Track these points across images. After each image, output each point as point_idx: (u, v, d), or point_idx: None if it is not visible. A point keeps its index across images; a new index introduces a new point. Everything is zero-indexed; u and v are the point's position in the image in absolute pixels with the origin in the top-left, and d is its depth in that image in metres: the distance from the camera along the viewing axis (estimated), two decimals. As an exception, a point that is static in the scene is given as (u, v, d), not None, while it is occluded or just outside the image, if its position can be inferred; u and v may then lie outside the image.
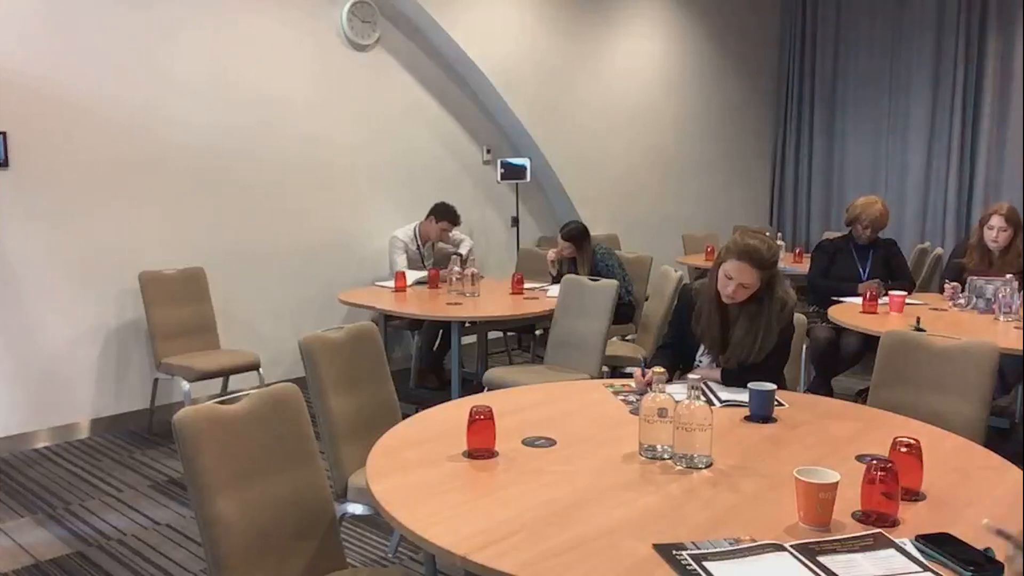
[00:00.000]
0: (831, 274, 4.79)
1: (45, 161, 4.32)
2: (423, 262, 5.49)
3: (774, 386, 2.43)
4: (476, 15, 5.97)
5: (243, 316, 5.07)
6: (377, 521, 3.36)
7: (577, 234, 4.99)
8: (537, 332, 5.64)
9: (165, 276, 4.55)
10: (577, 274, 4.73)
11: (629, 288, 5.00)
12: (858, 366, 4.50)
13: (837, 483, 1.68)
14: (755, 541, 1.60)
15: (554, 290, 4.57)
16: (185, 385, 4.27)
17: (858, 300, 4.31)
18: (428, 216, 5.45)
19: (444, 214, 5.41)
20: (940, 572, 1.50)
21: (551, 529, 1.65)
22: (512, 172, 6.28)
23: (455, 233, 5.66)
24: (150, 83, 4.64)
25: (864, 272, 4.73)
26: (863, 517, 1.71)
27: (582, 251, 4.98)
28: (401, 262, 5.34)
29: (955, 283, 4.36)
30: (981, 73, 7.46)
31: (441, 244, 5.66)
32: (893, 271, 4.74)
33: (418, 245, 5.50)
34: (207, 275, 4.73)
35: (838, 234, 5.15)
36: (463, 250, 5.53)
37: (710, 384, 2.68)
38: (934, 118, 7.72)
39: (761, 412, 2.39)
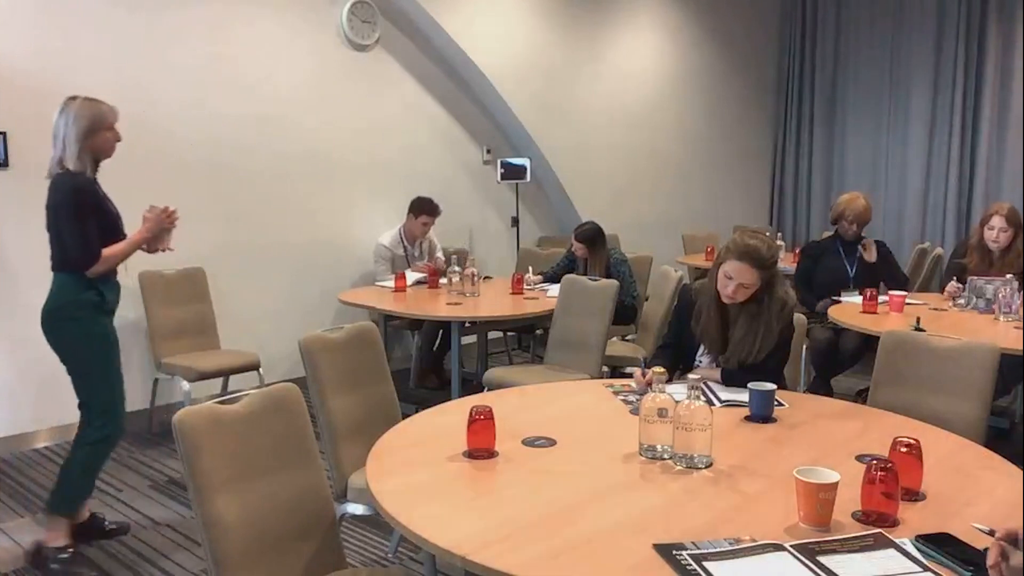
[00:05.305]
0: (816, 277, 4.81)
1: (45, 161, 4.29)
2: (408, 264, 5.40)
3: (774, 386, 2.43)
4: (476, 15, 5.97)
5: (243, 316, 5.06)
6: (377, 521, 3.36)
7: (591, 235, 4.96)
8: (537, 332, 5.64)
9: (165, 276, 4.55)
10: (587, 274, 4.73)
11: (635, 294, 5.00)
12: (858, 366, 4.50)
13: (837, 483, 1.68)
14: (755, 541, 1.60)
15: (554, 290, 4.57)
16: (185, 385, 4.27)
17: (856, 300, 4.33)
18: (407, 215, 5.40)
19: (421, 207, 5.32)
20: (940, 572, 1.50)
21: (551, 529, 1.65)
22: (512, 172, 6.28)
23: (432, 237, 5.58)
24: (150, 83, 4.64)
25: (851, 270, 4.74)
26: (863, 517, 1.71)
27: (595, 253, 4.95)
28: (385, 272, 5.27)
29: (959, 284, 4.35)
30: (981, 73, 7.46)
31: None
32: (884, 273, 4.72)
33: (405, 247, 5.44)
34: (207, 275, 4.73)
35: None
36: (439, 254, 5.49)
37: (710, 384, 2.68)
38: (934, 118, 7.71)
39: (761, 412, 2.39)
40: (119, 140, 3.15)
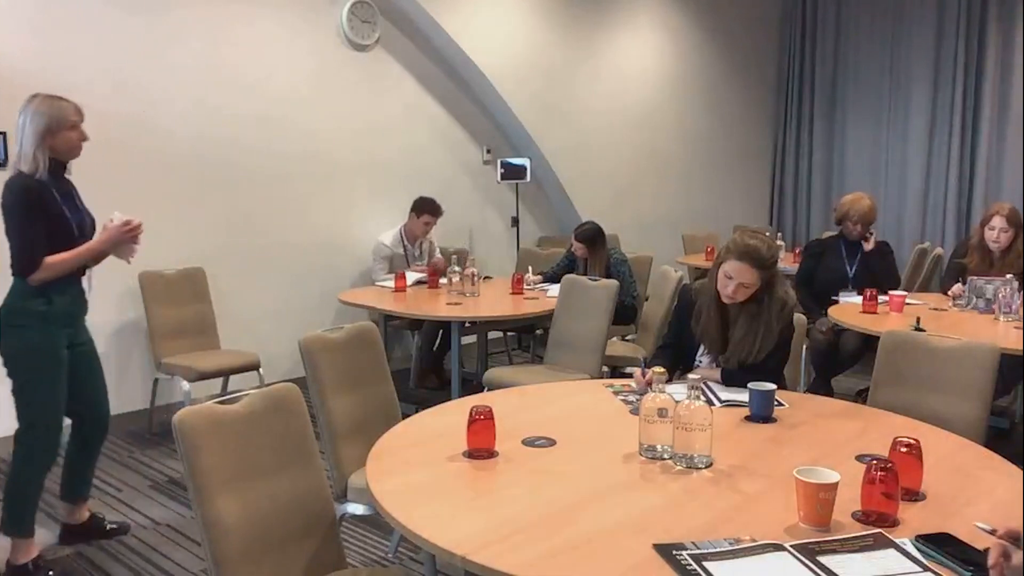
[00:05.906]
0: (817, 276, 4.81)
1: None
2: (407, 264, 5.38)
3: (774, 386, 2.43)
4: (476, 15, 5.97)
5: (243, 316, 5.06)
6: (377, 521, 3.36)
7: (591, 235, 4.96)
8: (537, 332, 5.64)
9: (165, 276, 4.55)
10: (587, 274, 4.73)
11: (635, 294, 4.99)
12: (858, 366, 4.50)
13: (837, 483, 1.68)
14: (755, 541, 1.60)
15: (554, 290, 4.57)
16: (185, 385, 4.27)
17: (855, 300, 4.32)
18: (409, 214, 5.40)
19: (423, 207, 5.31)
20: (940, 572, 1.50)
21: (551, 529, 1.65)
22: (512, 172, 6.28)
23: (432, 238, 5.58)
24: (149, 83, 4.64)
25: (851, 269, 4.74)
26: (863, 517, 1.71)
27: (595, 253, 4.94)
28: (381, 271, 5.28)
29: (963, 285, 4.35)
30: (981, 72, 7.46)
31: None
32: (879, 272, 4.71)
33: (405, 247, 5.43)
34: (207, 275, 4.73)
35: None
36: (438, 254, 5.49)
37: (710, 384, 2.68)
38: (934, 117, 7.72)
39: (761, 412, 2.39)
40: (85, 139, 2.95)
